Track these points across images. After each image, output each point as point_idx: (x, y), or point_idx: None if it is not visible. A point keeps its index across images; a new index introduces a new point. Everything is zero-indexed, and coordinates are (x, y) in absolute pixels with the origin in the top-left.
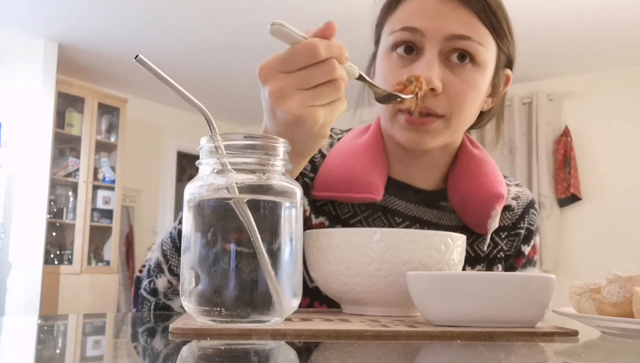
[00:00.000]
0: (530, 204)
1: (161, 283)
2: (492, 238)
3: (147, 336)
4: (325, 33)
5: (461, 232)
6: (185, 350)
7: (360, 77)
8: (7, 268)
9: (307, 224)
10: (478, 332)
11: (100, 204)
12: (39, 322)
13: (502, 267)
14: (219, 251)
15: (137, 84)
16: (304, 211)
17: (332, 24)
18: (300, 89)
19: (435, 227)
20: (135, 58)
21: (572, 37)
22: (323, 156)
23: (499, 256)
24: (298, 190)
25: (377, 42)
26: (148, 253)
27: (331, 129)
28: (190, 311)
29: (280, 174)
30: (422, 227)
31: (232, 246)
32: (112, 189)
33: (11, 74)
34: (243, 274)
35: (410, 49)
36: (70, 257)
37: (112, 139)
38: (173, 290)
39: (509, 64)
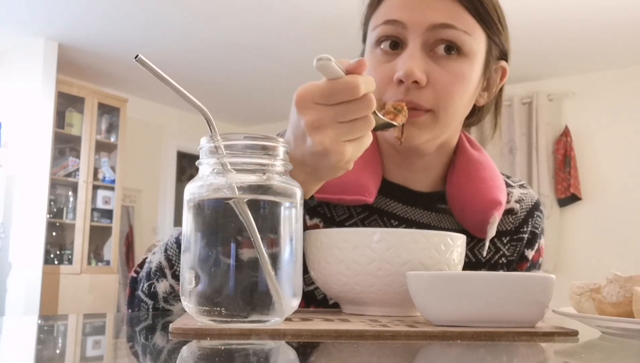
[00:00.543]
0: (535, 207)
1: (162, 287)
2: (493, 243)
3: (147, 336)
4: (359, 69)
5: None
6: (185, 350)
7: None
8: (7, 268)
9: None
10: (478, 332)
11: (100, 204)
12: (39, 322)
13: None
14: (219, 251)
15: (137, 84)
16: None
17: (365, 61)
18: (337, 122)
19: (433, 230)
20: (135, 58)
21: (572, 37)
22: None
23: (500, 261)
24: (298, 190)
25: (364, 40)
26: (148, 255)
27: None
28: (190, 311)
29: (280, 174)
30: None
31: (232, 246)
32: (112, 189)
33: (11, 74)
34: (243, 274)
35: (396, 44)
36: (70, 257)
37: (112, 139)
38: (175, 295)
39: (503, 56)
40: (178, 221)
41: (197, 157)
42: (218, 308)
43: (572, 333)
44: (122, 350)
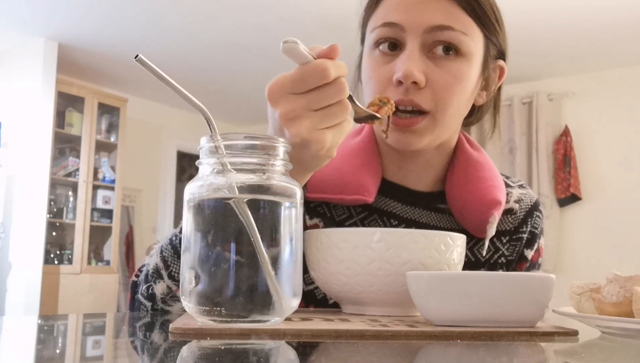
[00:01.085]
0: (534, 207)
1: (159, 288)
2: (493, 243)
3: (147, 336)
4: (330, 54)
5: None
6: (185, 350)
7: (350, 97)
8: (7, 268)
9: None
10: (478, 332)
11: (100, 204)
12: (39, 321)
13: None
14: (219, 251)
15: (137, 84)
16: None
17: (337, 46)
18: (311, 111)
19: (432, 230)
20: (135, 58)
21: (572, 37)
22: None
23: (500, 261)
24: (298, 190)
25: (362, 41)
26: (146, 258)
27: None
28: (190, 311)
29: (280, 174)
30: None
31: (232, 246)
32: (112, 189)
33: (11, 74)
34: (243, 274)
35: (394, 45)
36: (70, 257)
37: (112, 139)
38: (172, 296)
39: (501, 55)
40: (178, 221)
41: (197, 157)
42: (218, 308)
43: (572, 333)
44: (122, 350)
